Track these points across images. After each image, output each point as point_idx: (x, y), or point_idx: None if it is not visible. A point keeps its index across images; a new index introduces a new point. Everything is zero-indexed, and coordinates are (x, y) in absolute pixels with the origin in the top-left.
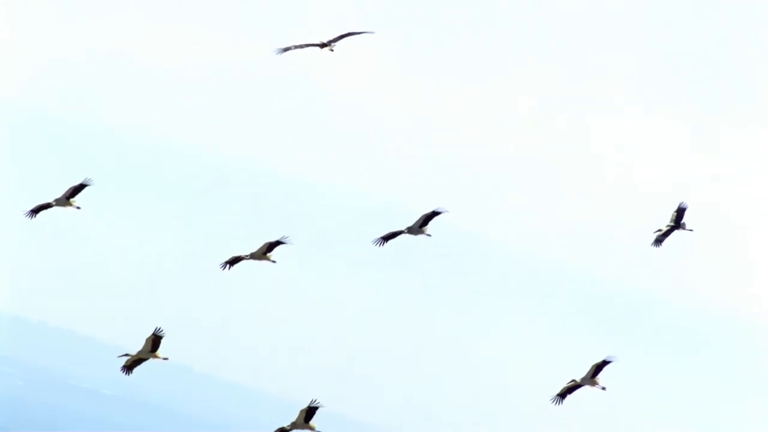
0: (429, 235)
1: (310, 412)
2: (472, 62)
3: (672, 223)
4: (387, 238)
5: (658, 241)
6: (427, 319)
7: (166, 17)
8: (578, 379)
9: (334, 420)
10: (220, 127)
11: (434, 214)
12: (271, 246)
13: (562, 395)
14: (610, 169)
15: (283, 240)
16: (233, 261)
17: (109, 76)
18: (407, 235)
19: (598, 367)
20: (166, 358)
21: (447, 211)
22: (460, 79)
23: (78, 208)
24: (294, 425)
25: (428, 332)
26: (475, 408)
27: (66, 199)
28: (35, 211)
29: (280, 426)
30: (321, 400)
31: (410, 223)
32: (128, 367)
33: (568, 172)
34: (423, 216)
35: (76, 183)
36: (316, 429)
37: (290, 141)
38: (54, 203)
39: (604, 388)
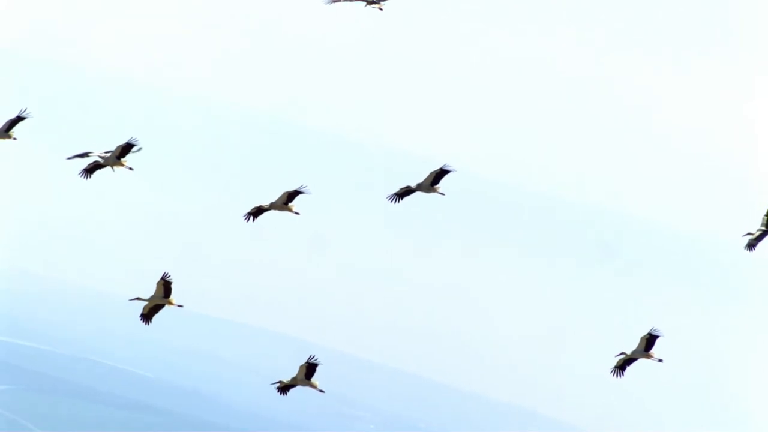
0: (442, 194)
1: (310, 368)
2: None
3: (763, 227)
4: (401, 195)
5: (751, 245)
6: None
7: None
8: (629, 352)
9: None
10: (240, 78)
11: (443, 171)
12: (290, 196)
13: (621, 367)
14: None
15: (301, 189)
16: (256, 212)
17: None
18: (421, 192)
19: (648, 341)
20: (180, 305)
21: (455, 170)
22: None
23: (131, 168)
24: (294, 380)
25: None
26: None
27: (116, 158)
28: (89, 171)
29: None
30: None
31: (420, 180)
32: (146, 316)
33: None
34: (432, 173)
35: (122, 142)
36: (318, 387)
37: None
38: (102, 161)
39: (660, 360)
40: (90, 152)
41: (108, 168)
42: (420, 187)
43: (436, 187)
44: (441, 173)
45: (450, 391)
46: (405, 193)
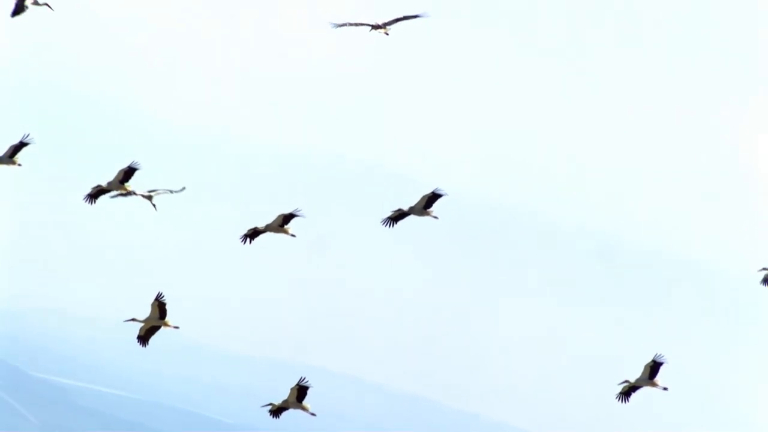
0: (436, 218)
1: (301, 391)
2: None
3: None
4: (395, 218)
5: (767, 280)
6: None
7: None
8: (632, 380)
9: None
10: (238, 103)
11: (435, 196)
12: (285, 218)
13: (626, 394)
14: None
15: (296, 213)
16: (252, 234)
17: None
18: (415, 215)
19: (653, 369)
20: (176, 327)
21: (446, 194)
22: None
23: (148, 198)
24: (286, 403)
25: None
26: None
27: (120, 183)
28: (94, 197)
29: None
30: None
31: (413, 204)
32: (143, 338)
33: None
34: (424, 197)
35: (124, 167)
36: (310, 410)
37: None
38: (106, 186)
39: (665, 389)
40: (133, 191)
41: (110, 193)
42: (413, 210)
43: (429, 210)
44: (433, 197)
45: (453, 413)
46: (398, 216)
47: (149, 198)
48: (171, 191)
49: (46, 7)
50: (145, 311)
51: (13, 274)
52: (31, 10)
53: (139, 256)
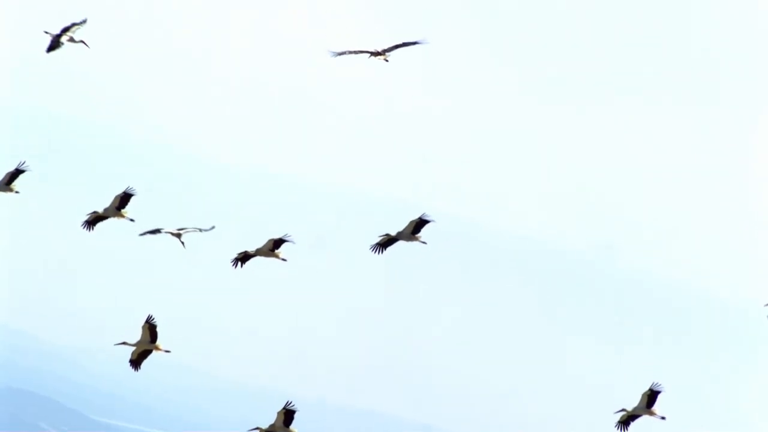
0: (424, 243)
1: (287, 415)
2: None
3: None
4: (383, 244)
5: None
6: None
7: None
8: (629, 409)
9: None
10: (218, 130)
11: (422, 221)
12: (276, 243)
13: (626, 422)
14: None
15: (286, 238)
16: (243, 258)
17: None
18: (403, 241)
19: (650, 397)
20: (168, 351)
21: (434, 220)
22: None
23: (132, 220)
24: (273, 428)
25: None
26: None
27: (116, 209)
28: (92, 223)
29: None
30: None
31: (401, 229)
32: (135, 362)
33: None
34: (412, 222)
35: (120, 192)
36: None
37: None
38: (103, 213)
39: (663, 418)
40: (161, 228)
41: (109, 218)
42: (401, 236)
43: (417, 236)
44: (421, 223)
45: None
46: (387, 242)
47: (178, 236)
48: (200, 230)
49: (82, 44)
50: (191, 347)
51: (63, 317)
52: (66, 46)
53: (168, 290)
